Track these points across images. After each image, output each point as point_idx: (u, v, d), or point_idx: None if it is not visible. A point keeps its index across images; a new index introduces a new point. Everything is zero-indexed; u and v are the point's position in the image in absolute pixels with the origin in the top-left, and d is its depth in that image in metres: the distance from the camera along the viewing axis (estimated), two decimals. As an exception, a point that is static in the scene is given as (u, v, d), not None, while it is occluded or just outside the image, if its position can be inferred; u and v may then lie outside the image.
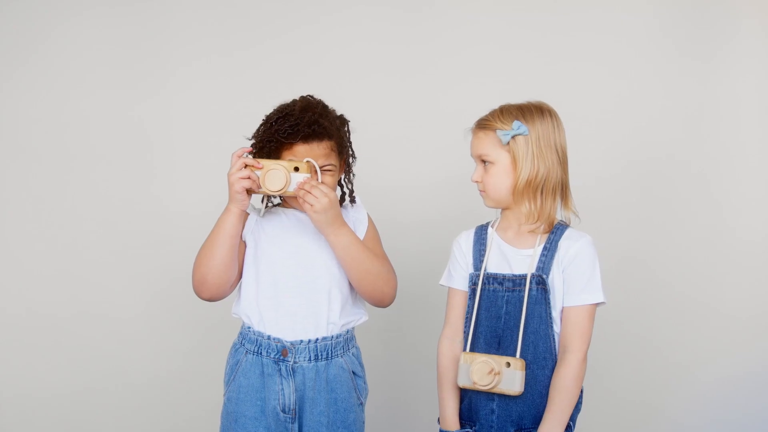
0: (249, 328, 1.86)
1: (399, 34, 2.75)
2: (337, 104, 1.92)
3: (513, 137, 1.72)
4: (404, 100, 2.72)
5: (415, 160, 2.75)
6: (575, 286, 1.71)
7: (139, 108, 2.77)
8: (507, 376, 1.70)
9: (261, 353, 1.84)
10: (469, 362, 1.73)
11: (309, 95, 1.87)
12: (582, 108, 2.60)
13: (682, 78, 2.69)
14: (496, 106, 1.81)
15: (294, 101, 1.85)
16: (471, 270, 1.80)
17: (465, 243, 1.84)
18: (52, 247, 2.79)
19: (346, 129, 1.89)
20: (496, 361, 1.70)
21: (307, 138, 1.79)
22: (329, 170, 1.83)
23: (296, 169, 1.73)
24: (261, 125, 1.85)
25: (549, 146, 1.72)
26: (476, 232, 1.84)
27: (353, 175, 1.92)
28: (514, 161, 1.72)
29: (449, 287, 1.86)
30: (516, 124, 1.72)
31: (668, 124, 2.69)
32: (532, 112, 1.74)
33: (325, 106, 1.87)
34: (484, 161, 1.76)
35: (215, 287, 1.83)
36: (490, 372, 1.70)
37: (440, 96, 2.72)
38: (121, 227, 2.79)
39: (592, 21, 2.71)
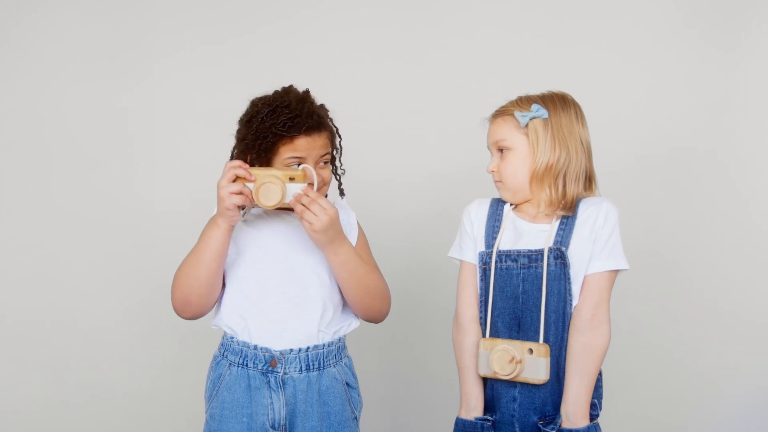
0: (232, 338, 1.80)
1: (400, 18, 2.71)
2: (330, 94, 1.89)
3: (531, 119, 1.69)
4: (405, 88, 2.67)
5: (417, 153, 2.71)
6: (603, 251, 1.68)
7: (120, 100, 2.74)
8: (530, 363, 1.65)
9: (247, 365, 1.78)
10: (488, 349, 1.69)
11: (291, 85, 1.82)
12: (597, 98, 2.37)
13: (704, 66, 2.63)
14: (503, 94, 1.79)
15: (280, 92, 1.80)
16: (481, 247, 1.75)
17: (476, 215, 1.78)
18: (26, 248, 2.76)
19: (331, 118, 1.87)
20: (517, 347, 1.66)
21: (309, 130, 1.75)
22: (326, 161, 1.81)
23: (291, 178, 1.69)
24: (245, 123, 1.80)
25: (572, 134, 1.70)
26: (492, 205, 1.79)
27: (342, 167, 1.89)
28: (533, 146, 1.69)
29: (461, 260, 1.79)
30: (535, 106, 1.69)
31: (690, 116, 2.63)
32: (554, 99, 1.72)
33: (313, 96, 1.84)
34: (500, 149, 1.73)
35: (198, 307, 1.79)
36: (511, 360, 1.66)
37: (445, 84, 2.68)
38: (101, 227, 2.75)
39: (608, 5, 2.66)
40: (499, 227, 1.75)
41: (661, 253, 2.63)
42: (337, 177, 1.89)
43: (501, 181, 1.75)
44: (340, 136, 1.86)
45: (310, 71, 2.58)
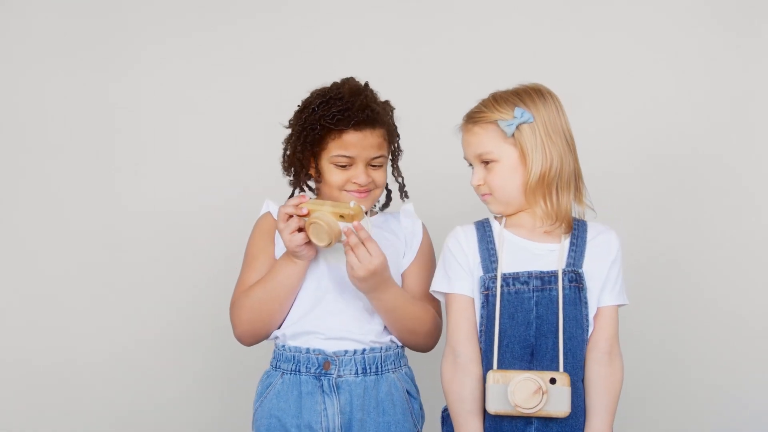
0: (283, 345, 1.75)
1: (405, 5, 2.63)
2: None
3: (518, 127, 1.60)
4: (410, 78, 2.57)
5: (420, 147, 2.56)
6: (616, 285, 1.65)
7: (106, 92, 2.64)
8: (554, 394, 1.55)
9: (299, 371, 1.73)
10: (504, 382, 1.56)
11: (351, 77, 1.78)
12: (611, 89, 2.52)
13: (728, 54, 2.54)
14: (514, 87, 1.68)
15: (337, 83, 1.76)
16: (480, 273, 1.64)
17: (465, 240, 1.67)
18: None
19: (392, 116, 1.81)
20: (540, 377, 1.55)
21: (359, 125, 1.70)
22: (380, 164, 1.76)
23: (341, 216, 1.64)
24: (296, 113, 1.77)
25: (557, 132, 1.62)
26: (478, 228, 1.68)
27: (401, 172, 1.84)
28: (523, 155, 1.61)
29: (449, 294, 1.66)
30: (518, 111, 1.61)
31: (712, 110, 2.54)
32: (531, 95, 1.63)
33: (372, 90, 1.78)
34: (485, 161, 1.64)
35: (265, 336, 1.78)
36: (536, 391, 1.54)
37: (450, 74, 2.58)
38: (89, 232, 2.64)
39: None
40: (494, 249, 1.65)
41: (672, 256, 2.56)
42: (398, 181, 1.84)
43: (491, 194, 1.66)
44: (399, 136, 1.80)
45: (310, 58, 2.54)
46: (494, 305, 1.61)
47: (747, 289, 2.52)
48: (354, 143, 1.71)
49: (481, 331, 1.63)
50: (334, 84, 1.76)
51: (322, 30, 2.61)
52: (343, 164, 1.72)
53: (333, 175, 1.73)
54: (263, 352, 1.89)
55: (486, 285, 1.63)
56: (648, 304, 2.46)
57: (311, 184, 1.83)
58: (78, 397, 2.59)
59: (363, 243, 1.62)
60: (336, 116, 1.69)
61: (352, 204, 1.65)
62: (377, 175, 1.75)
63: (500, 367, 1.60)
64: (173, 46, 2.62)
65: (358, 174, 1.72)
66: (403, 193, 1.85)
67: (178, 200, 2.59)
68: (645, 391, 2.51)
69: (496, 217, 1.69)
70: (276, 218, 1.74)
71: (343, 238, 1.64)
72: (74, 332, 2.60)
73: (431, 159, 2.34)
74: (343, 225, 1.63)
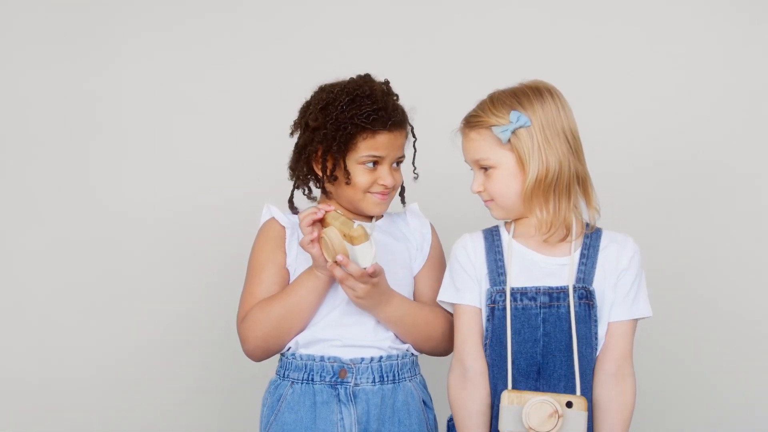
0: (293, 354, 1.72)
1: None
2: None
3: (514, 132, 1.59)
4: (410, 69, 2.46)
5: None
6: (627, 297, 1.62)
7: (84, 84, 2.59)
8: (570, 418, 1.53)
9: (312, 380, 1.70)
10: (517, 403, 1.55)
11: (368, 74, 1.77)
12: (613, 87, 2.47)
13: (747, 47, 2.48)
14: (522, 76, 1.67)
15: (358, 81, 1.75)
16: (486, 285, 1.64)
17: (473, 249, 1.67)
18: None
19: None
20: (556, 400, 1.54)
21: (393, 126, 1.71)
22: (399, 165, 1.78)
23: (344, 234, 1.63)
24: (320, 110, 1.72)
25: (556, 134, 1.60)
26: (486, 237, 1.68)
27: (416, 171, 1.84)
28: (520, 160, 1.59)
29: (457, 304, 1.66)
30: (514, 115, 1.59)
31: (730, 109, 2.49)
32: (529, 96, 1.61)
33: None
34: (483, 167, 1.64)
35: (277, 353, 1.76)
36: (552, 414, 1.52)
37: (449, 66, 2.55)
38: (78, 235, 2.56)
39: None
40: (502, 261, 1.64)
41: (688, 264, 2.51)
42: (402, 184, 1.83)
43: (492, 200, 1.65)
44: (415, 137, 1.80)
45: (304, 49, 2.51)
46: (501, 320, 1.61)
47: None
48: (386, 144, 1.70)
49: (485, 344, 1.63)
50: (353, 81, 1.74)
51: (317, 19, 2.57)
52: (372, 165, 1.71)
53: (361, 176, 1.71)
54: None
55: (492, 298, 1.62)
56: (667, 322, 2.41)
57: (311, 185, 1.81)
58: (68, 409, 2.55)
59: (351, 276, 1.61)
60: (371, 116, 1.68)
61: (355, 225, 1.62)
62: (398, 175, 1.76)
63: (501, 385, 1.60)
64: (157, 36, 2.57)
65: (385, 175, 1.72)
66: (403, 198, 1.86)
67: (168, 201, 2.54)
68: (667, 410, 2.50)
69: (506, 223, 1.68)
70: (282, 224, 1.76)
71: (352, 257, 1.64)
72: (64, 344, 2.55)
73: (434, 157, 2.30)
74: (346, 246, 1.62)
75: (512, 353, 1.61)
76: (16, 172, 2.57)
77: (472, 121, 1.64)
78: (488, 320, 1.63)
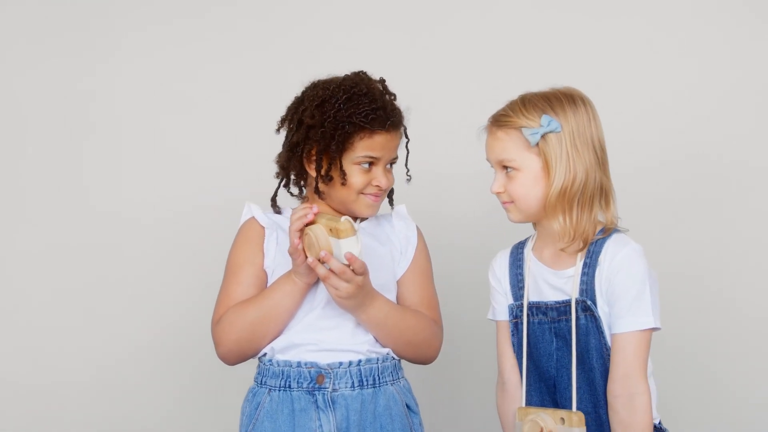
0: (270, 360, 1.70)
1: None
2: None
3: (543, 136, 1.57)
4: (412, 65, 2.49)
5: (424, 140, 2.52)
6: (618, 306, 1.58)
7: (78, 83, 2.59)
8: None
9: (290, 386, 1.67)
10: (518, 419, 1.62)
11: (362, 71, 1.74)
12: (616, 86, 2.42)
13: (756, 42, 2.44)
14: (518, 88, 1.66)
15: (353, 78, 1.72)
16: (510, 300, 1.70)
17: (499, 268, 1.72)
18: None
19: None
20: (549, 416, 1.57)
21: (391, 127, 1.70)
22: (391, 166, 1.77)
23: (330, 229, 1.61)
24: (316, 107, 1.69)
25: (585, 143, 1.59)
26: (512, 253, 1.72)
27: (409, 173, 1.82)
28: (546, 166, 1.59)
29: (497, 321, 1.74)
30: (545, 119, 1.58)
31: (737, 106, 2.44)
32: (562, 102, 1.60)
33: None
34: (505, 167, 1.62)
35: (252, 357, 1.75)
36: None
37: (452, 67, 2.51)
38: (67, 233, 2.56)
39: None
40: (521, 275, 1.68)
41: (702, 266, 2.47)
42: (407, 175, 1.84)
43: (512, 202, 1.64)
44: (408, 138, 1.78)
45: (302, 47, 2.50)
46: (522, 335, 1.65)
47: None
48: (383, 144, 1.69)
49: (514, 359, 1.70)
50: (348, 78, 1.72)
51: (316, 18, 2.56)
52: (367, 166, 1.69)
53: (356, 176, 1.69)
54: (248, 364, 1.85)
55: (514, 313, 1.67)
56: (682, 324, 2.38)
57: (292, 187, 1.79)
58: (68, 412, 2.55)
59: (334, 273, 1.60)
60: (370, 115, 1.66)
61: (342, 219, 1.59)
62: (390, 176, 1.75)
63: (527, 400, 1.65)
64: (154, 33, 2.57)
65: (380, 176, 1.70)
66: (391, 200, 1.84)
67: (167, 202, 2.53)
68: (685, 415, 2.41)
69: (529, 240, 1.71)
70: (261, 224, 1.74)
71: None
72: (63, 346, 2.55)
73: (433, 156, 2.30)
74: (331, 243, 1.60)
75: (530, 368, 1.64)
76: (9, 174, 2.58)
77: (501, 120, 1.62)
78: (513, 335, 1.68)
